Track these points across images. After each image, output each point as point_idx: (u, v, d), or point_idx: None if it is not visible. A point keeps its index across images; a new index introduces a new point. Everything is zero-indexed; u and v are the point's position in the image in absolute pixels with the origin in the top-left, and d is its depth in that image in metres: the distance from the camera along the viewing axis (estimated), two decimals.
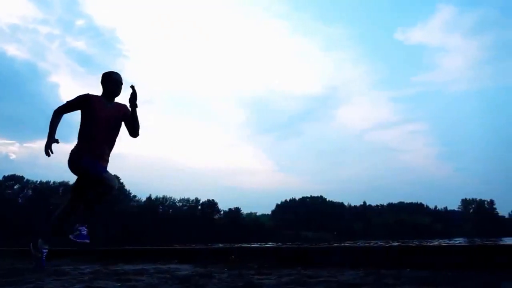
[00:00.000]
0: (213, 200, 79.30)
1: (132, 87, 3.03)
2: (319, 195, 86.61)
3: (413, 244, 2.49)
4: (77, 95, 3.07)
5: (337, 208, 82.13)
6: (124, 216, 56.91)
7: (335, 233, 71.25)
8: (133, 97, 3.04)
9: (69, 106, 3.06)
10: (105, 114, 3.05)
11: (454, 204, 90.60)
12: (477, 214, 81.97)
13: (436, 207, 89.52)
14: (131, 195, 68.16)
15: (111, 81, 3.14)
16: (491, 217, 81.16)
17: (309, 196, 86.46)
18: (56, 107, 3.05)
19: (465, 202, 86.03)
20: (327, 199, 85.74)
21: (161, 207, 73.16)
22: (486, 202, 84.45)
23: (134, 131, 3.16)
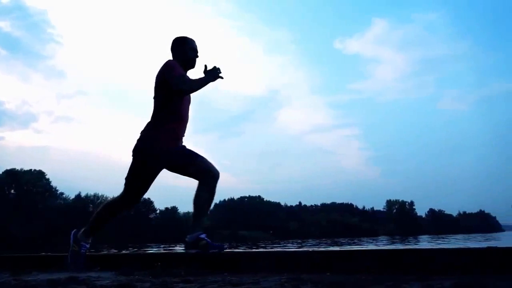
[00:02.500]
0: (148, 198, 76.55)
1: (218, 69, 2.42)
2: (257, 195, 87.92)
3: (334, 249, 2.63)
4: (169, 63, 2.37)
5: (274, 207, 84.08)
6: (48, 215, 52.58)
7: (271, 232, 72.88)
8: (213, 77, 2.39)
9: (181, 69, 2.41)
10: None
11: (380, 205, 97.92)
12: (399, 214, 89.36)
13: (364, 207, 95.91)
14: (58, 192, 63.17)
15: (193, 48, 2.50)
16: (411, 217, 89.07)
17: (247, 196, 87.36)
18: (180, 83, 2.27)
19: (390, 203, 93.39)
20: (265, 199, 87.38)
21: (91, 205, 68.88)
22: (407, 203, 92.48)
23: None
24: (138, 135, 2.44)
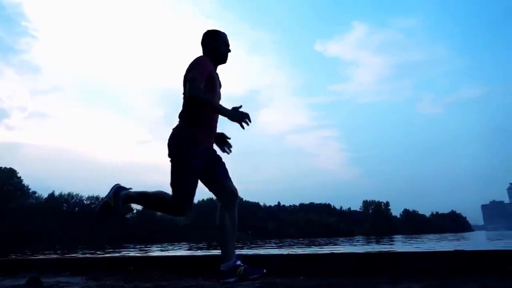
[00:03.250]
0: None
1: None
2: None
3: (308, 253, 2.65)
4: (200, 60, 2.23)
5: (253, 208, 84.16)
6: (20, 215, 50.78)
7: (249, 232, 72.88)
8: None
9: (204, 75, 2.17)
10: (219, 87, 2.37)
11: (357, 205, 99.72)
12: (375, 214, 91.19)
13: (341, 207, 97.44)
14: (30, 190, 61.08)
15: (226, 42, 2.36)
16: (386, 217, 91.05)
17: None
18: (194, 90, 2.06)
19: (366, 204, 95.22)
20: (244, 199, 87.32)
21: (65, 204, 67.00)
22: (383, 204, 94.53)
23: None
24: (170, 132, 2.26)
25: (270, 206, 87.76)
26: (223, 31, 2.40)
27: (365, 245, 14.99)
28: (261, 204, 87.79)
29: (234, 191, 2.37)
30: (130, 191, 2.24)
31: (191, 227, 73.66)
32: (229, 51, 2.38)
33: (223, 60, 2.37)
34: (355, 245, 14.90)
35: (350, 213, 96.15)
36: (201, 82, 2.11)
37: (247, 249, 13.28)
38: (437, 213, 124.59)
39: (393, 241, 20.03)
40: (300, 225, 75.92)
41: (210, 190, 2.35)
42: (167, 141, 2.22)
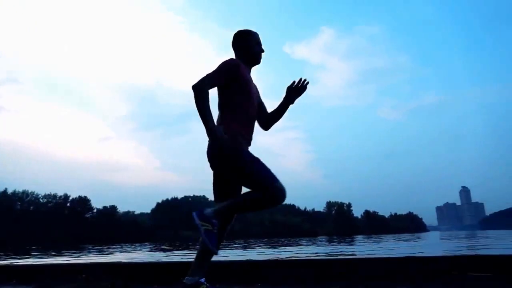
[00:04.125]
0: (85, 196, 72.50)
1: (305, 81, 2.28)
2: (202, 195, 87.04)
3: (263, 259, 2.67)
4: (224, 62, 2.12)
5: None
6: None
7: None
8: (300, 94, 2.31)
9: (220, 76, 2.07)
10: (254, 89, 2.26)
11: (320, 206, 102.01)
12: (338, 215, 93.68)
13: (305, 208, 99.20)
14: None
15: (258, 42, 2.28)
16: (348, 217, 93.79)
17: (191, 195, 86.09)
18: (198, 81, 1.97)
19: (329, 205, 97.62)
20: (209, 199, 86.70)
21: (19, 203, 63.45)
22: (345, 205, 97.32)
23: (271, 124, 2.38)
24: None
25: None
26: (254, 30, 2.30)
27: (328, 245, 15.33)
28: None
29: (283, 195, 2.11)
30: (214, 208, 2.12)
31: (155, 227, 72.12)
32: (263, 51, 2.29)
33: (257, 61, 2.28)
34: (318, 246, 15.18)
35: (314, 213, 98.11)
36: (211, 81, 2.03)
37: None
38: (395, 214, 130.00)
39: (354, 242, 20.65)
40: (265, 225, 76.48)
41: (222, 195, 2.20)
42: (207, 149, 2.11)
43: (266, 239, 44.56)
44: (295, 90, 2.30)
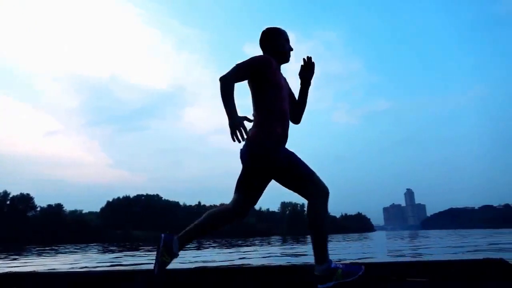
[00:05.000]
0: (28, 194, 67.76)
1: (309, 58, 2.26)
2: (155, 194, 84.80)
3: (205, 266, 2.70)
4: (253, 56, 2.06)
5: (173, 207, 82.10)
6: None
7: (167, 232, 70.65)
8: (311, 71, 2.28)
9: (246, 70, 2.02)
10: (285, 85, 2.21)
11: (275, 206, 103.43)
12: (292, 215, 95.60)
13: (260, 208, 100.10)
14: None
15: (288, 39, 2.23)
16: (302, 218, 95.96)
17: (144, 194, 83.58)
18: (225, 73, 1.96)
19: (284, 205, 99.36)
20: (163, 198, 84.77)
21: None
22: (299, 205, 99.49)
23: (299, 116, 2.34)
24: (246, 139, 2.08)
25: (190, 206, 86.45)
26: (283, 28, 2.27)
27: (282, 245, 15.63)
28: (181, 203, 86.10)
29: (326, 188, 2.16)
30: (179, 236, 2.13)
31: (104, 227, 69.01)
32: (292, 49, 2.25)
33: (287, 59, 2.24)
34: (272, 245, 15.40)
35: (269, 213, 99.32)
36: (238, 73, 2.00)
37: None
38: (346, 214, 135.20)
39: (306, 242, 21.21)
40: None
41: (293, 190, 2.16)
42: (242, 148, 2.09)
43: (219, 239, 44.35)
44: (307, 70, 2.29)
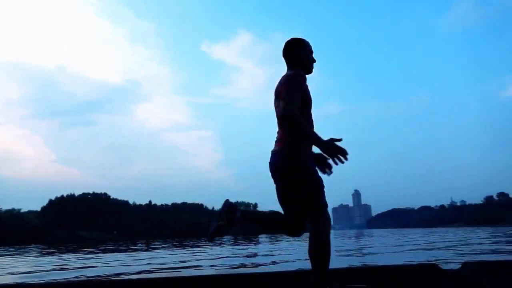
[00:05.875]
0: None
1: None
2: (103, 192, 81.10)
3: (151, 277, 2.65)
4: (295, 77, 1.98)
5: (121, 206, 79.03)
6: None
7: (114, 232, 67.98)
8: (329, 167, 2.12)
9: (298, 94, 1.94)
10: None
11: None
12: None
13: (213, 208, 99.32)
14: None
15: (311, 50, 2.18)
16: None
17: (91, 192, 79.66)
18: (284, 110, 1.86)
19: (237, 205, 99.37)
20: (112, 197, 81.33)
21: None
22: (252, 205, 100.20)
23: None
24: (272, 151, 2.05)
25: (140, 205, 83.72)
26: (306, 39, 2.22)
27: (234, 245, 15.65)
28: (131, 202, 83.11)
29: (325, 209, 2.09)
30: (245, 211, 2.09)
31: (45, 227, 64.71)
32: (315, 60, 2.21)
33: (311, 70, 2.19)
34: (223, 247, 15.35)
35: None
36: (296, 102, 1.92)
37: (101, 253, 12.42)
38: None
39: (258, 242, 21.42)
40: (170, 224, 74.56)
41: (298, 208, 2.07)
42: (274, 163, 2.02)
43: (169, 239, 43.46)
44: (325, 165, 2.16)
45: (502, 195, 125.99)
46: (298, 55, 2.13)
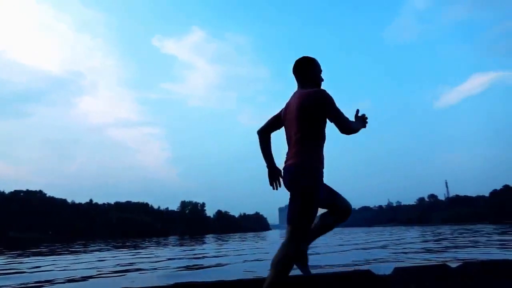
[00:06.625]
0: None
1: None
2: (37, 189, 75.43)
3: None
4: (327, 95, 2.11)
5: (59, 205, 74.07)
6: None
7: (50, 233, 63.57)
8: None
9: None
10: None
11: (174, 205, 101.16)
12: (191, 214, 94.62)
13: (159, 207, 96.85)
14: None
15: (321, 70, 2.34)
16: (201, 217, 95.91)
17: (24, 189, 73.67)
18: (347, 129, 2.14)
19: (184, 204, 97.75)
20: (48, 195, 75.90)
21: None
22: (199, 205, 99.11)
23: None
24: (290, 164, 2.14)
25: (80, 204, 79.06)
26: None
27: (181, 247, 15.36)
28: (69, 200, 78.21)
29: (347, 207, 2.34)
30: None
31: None
32: (323, 79, 2.37)
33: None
34: (168, 245, 14.96)
35: (167, 212, 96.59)
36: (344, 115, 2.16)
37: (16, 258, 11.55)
38: (245, 214, 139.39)
39: (204, 242, 21.21)
40: (113, 224, 71.28)
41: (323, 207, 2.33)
42: (289, 177, 2.14)
43: (109, 240, 41.59)
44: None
45: (432, 196, 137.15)
46: (313, 73, 2.28)
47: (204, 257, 8.30)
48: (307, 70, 2.27)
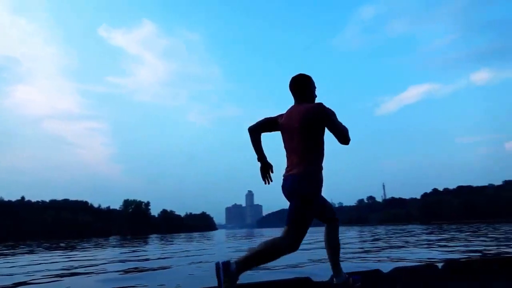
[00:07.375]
0: None
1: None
2: None
3: None
4: (327, 108, 2.29)
5: None
6: None
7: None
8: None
9: None
10: None
11: (117, 204, 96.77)
12: (134, 214, 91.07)
13: (100, 205, 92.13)
14: None
15: (315, 86, 2.53)
16: (145, 216, 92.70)
17: None
18: (348, 139, 2.32)
19: (127, 203, 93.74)
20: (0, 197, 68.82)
21: None
22: (143, 204, 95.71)
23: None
24: (295, 173, 2.27)
25: (9, 201, 72.63)
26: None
27: (118, 246, 14.70)
28: None
29: (334, 213, 2.57)
30: (239, 260, 2.10)
31: None
32: (316, 96, 2.50)
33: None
34: (106, 247, 14.24)
35: (109, 211, 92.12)
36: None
37: None
38: (191, 213, 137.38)
39: (147, 242, 20.58)
40: (47, 224, 66.39)
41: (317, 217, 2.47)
42: (293, 185, 2.25)
43: (42, 241, 38.76)
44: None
45: (370, 198, 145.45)
46: (310, 90, 2.45)
47: (147, 259, 8.04)
48: (305, 89, 2.44)
